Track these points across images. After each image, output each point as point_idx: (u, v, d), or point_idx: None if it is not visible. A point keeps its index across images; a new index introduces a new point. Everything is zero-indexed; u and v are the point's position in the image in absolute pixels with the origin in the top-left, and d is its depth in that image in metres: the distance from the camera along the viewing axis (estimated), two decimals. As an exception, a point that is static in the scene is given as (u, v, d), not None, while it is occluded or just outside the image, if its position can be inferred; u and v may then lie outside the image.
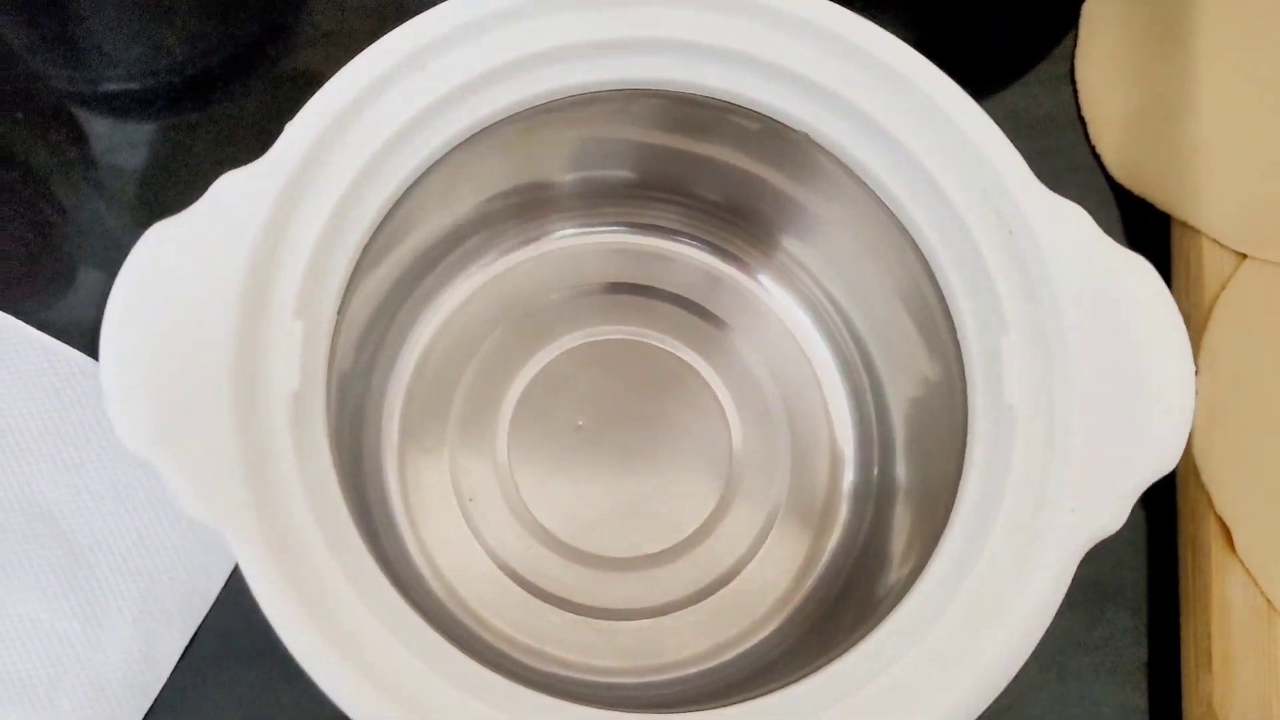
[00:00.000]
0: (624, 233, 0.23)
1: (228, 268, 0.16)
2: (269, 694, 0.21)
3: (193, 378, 0.15)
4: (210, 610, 0.22)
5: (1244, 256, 0.24)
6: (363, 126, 0.17)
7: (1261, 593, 0.21)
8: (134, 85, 0.26)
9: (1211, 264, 0.24)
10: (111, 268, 0.24)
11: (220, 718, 0.21)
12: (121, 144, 0.25)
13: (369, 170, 0.17)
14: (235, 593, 0.22)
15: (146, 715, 0.21)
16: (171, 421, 0.15)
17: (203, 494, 0.15)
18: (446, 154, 0.18)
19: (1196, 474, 0.22)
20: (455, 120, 0.18)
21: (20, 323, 0.23)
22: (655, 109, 0.20)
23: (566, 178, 0.22)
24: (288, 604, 0.14)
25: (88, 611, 0.21)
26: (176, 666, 0.21)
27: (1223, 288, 0.23)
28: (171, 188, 0.25)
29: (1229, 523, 0.22)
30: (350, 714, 0.14)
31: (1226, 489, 0.22)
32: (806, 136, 0.19)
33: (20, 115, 0.25)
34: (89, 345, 0.23)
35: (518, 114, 0.18)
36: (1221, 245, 0.24)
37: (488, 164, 0.20)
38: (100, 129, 0.25)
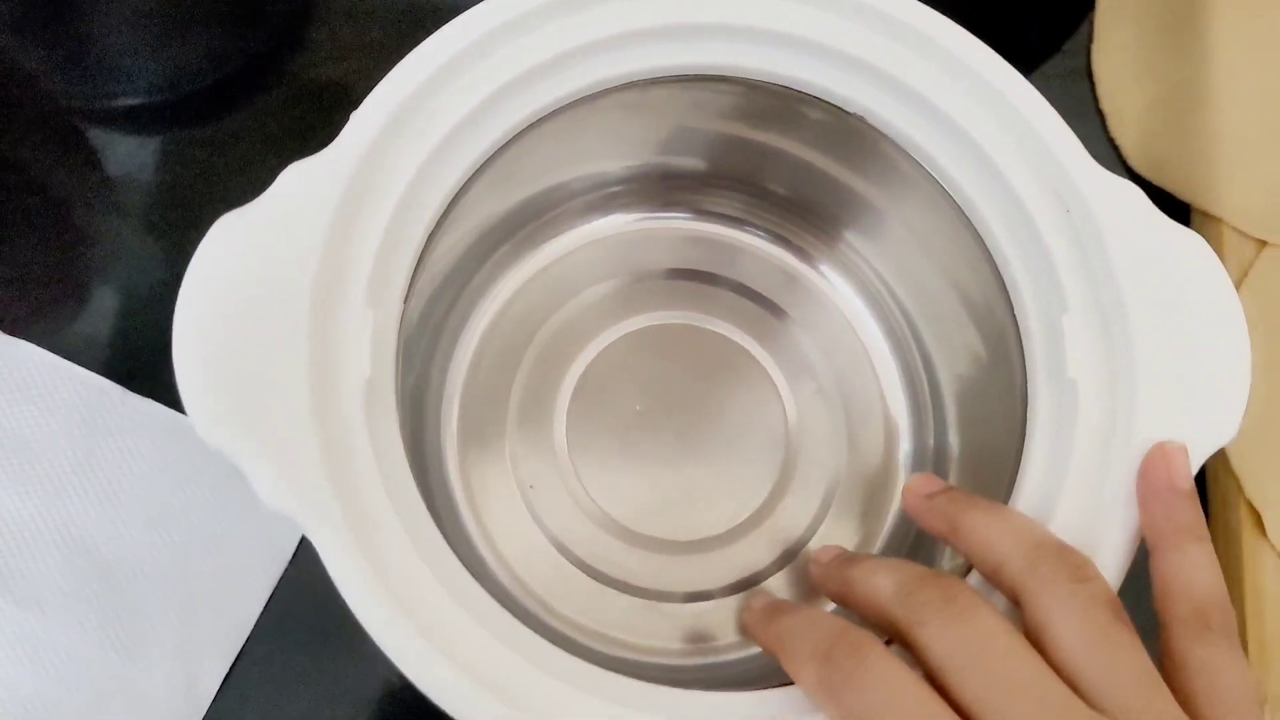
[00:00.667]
0: (682, 220, 0.23)
1: (298, 257, 0.16)
2: (317, 715, 0.21)
3: (266, 367, 0.15)
4: (252, 634, 0.21)
5: (1264, 243, 0.24)
6: (427, 115, 0.17)
7: (1294, 576, 0.21)
8: (151, 101, 0.25)
9: (1233, 252, 0.24)
10: (136, 290, 0.24)
11: (265, 743, 0.21)
12: (142, 164, 0.25)
13: (434, 158, 0.17)
14: (276, 618, 0.22)
15: (192, 743, 0.21)
16: (248, 412, 0.15)
17: (283, 483, 0.15)
18: (508, 141, 0.18)
19: (1226, 460, 0.23)
20: (518, 108, 0.18)
21: (47, 353, 0.23)
22: (718, 97, 0.20)
23: (627, 165, 0.22)
24: (370, 590, 0.14)
25: (128, 642, 0.21)
26: (218, 694, 0.21)
27: (1245, 275, 0.24)
28: (195, 206, 0.25)
29: (1259, 508, 0.22)
30: (432, 697, 0.14)
31: (1256, 474, 0.22)
32: (863, 120, 0.19)
33: (38, 138, 0.25)
34: (113, 370, 0.23)
35: (577, 101, 0.18)
36: (1242, 233, 0.24)
37: (548, 150, 0.20)
38: (119, 150, 0.25)
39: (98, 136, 0.25)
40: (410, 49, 0.17)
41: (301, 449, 0.15)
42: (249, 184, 0.16)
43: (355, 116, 0.17)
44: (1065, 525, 0.16)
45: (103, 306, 0.24)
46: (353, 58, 0.25)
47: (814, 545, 0.22)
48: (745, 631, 0.15)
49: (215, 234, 0.16)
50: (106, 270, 0.24)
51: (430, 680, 0.14)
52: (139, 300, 0.24)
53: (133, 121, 0.25)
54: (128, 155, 0.25)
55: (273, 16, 0.26)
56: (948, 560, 0.19)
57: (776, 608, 0.16)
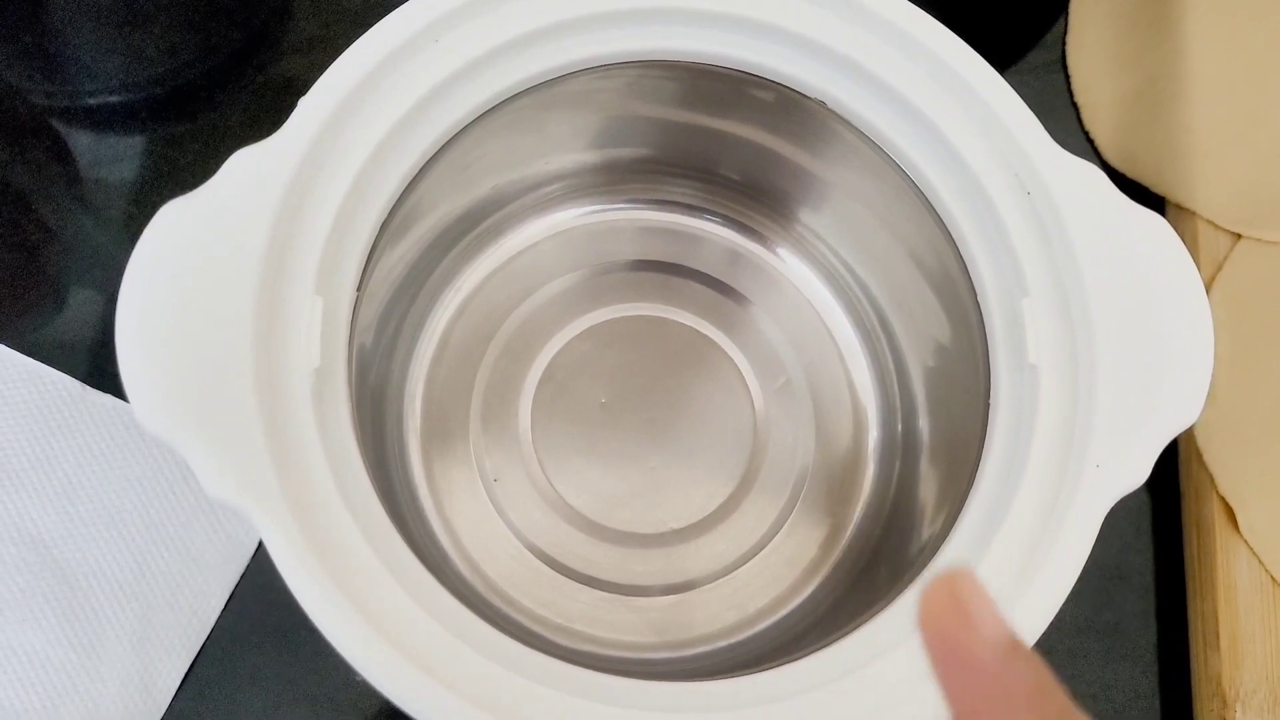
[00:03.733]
0: (643, 210, 0.23)
1: (245, 244, 0.15)
2: (275, 716, 0.21)
3: (212, 356, 0.15)
4: (211, 633, 0.21)
5: (1239, 236, 0.24)
6: (377, 102, 0.17)
7: (1266, 571, 0.21)
8: (115, 98, 0.25)
9: (1207, 245, 0.24)
10: (99, 286, 0.24)
11: (225, 743, 0.21)
12: (105, 159, 0.25)
13: (385, 146, 0.17)
14: (236, 615, 0.21)
15: (150, 743, 0.20)
16: (191, 401, 0.15)
17: (227, 472, 0.14)
18: (462, 130, 0.18)
19: (1199, 455, 0.22)
20: (470, 94, 0.18)
21: (6, 348, 0.22)
22: (673, 85, 0.20)
23: (584, 155, 0.22)
24: (314, 580, 0.14)
25: (84, 640, 0.21)
26: (177, 693, 0.21)
27: (1219, 268, 0.24)
28: (160, 202, 0.24)
29: (1232, 503, 0.22)
30: (378, 686, 0.14)
31: (1229, 469, 0.22)
32: (823, 105, 0.19)
33: (2, 134, 0.24)
34: (78, 368, 0.23)
35: (531, 90, 0.18)
36: (1216, 226, 0.24)
37: (504, 141, 0.20)
38: (83, 144, 0.25)
39: (63, 133, 0.25)
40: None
41: (246, 438, 0.15)
42: (206, 172, 0.16)
43: (303, 103, 0.17)
44: (1021, 517, 0.16)
45: (66, 303, 0.24)
46: (317, 52, 0.25)
47: (782, 537, 0.21)
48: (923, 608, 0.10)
49: (160, 220, 0.16)
50: (71, 266, 0.24)
51: (376, 670, 0.14)
52: (103, 297, 0.24)
53: (98, 118, 0.25)
54: (93, 151, 0.25)
55: (236, 12, 0.26)
56: (925, 531, 0.19)
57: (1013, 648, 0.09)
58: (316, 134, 0.16)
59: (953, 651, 0.10)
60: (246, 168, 0.16)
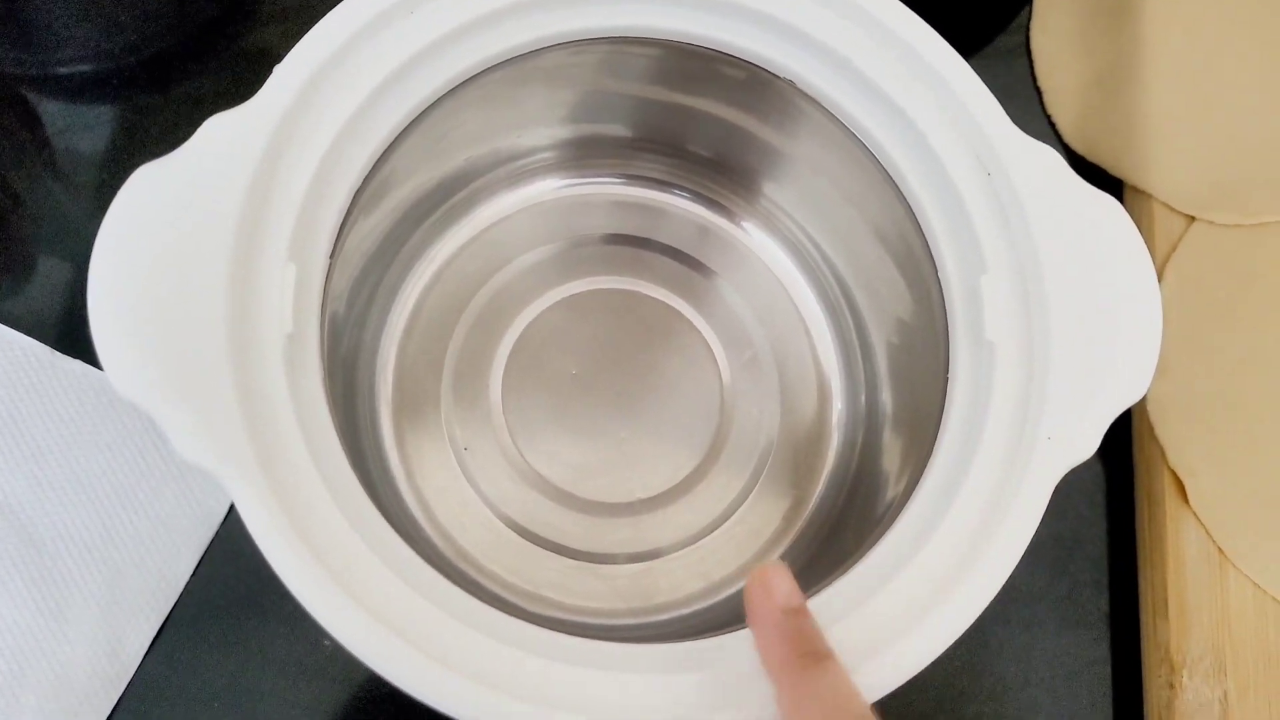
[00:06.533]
0: (614, 185, 0.23)
1: (219, 209, 0.16)
2: (244, 681, 0.21)
3: (185, 321, 0.15)
4: (180, 598, 0.21)
5: (1193, 219, 0.25)
6: (352, 71, 0.17)
7: (1214, 542, 0.22)
8: (87, 66, 0.25)
9: (1162, 226, 0.25)
10: (69, 254, 0.24)
11: (193, 707, 0.21)
12: (77, 127, 0.25)
13: (359, 115, 0.17)
14: (206, 579, 0.22)
15: (117, 706, 0.21)
16: (164, 365, 0.15)
17: (199, 436, 0.14)
18: (437, 101, 0.18)
19: (1151, 429, 0.23)
20: (445, 67, 0.18)
21: (-27, 312, 0.22)
22: (644, 61, 0.20)
23: (557, 130, 0.22)
24: (286, 543, 0.14)
25: (51, 604, 0.21)
26: (146, 657, 0.21)
27: (1173, 249, 0.24)
28: (130, 170, 0.24)
29: (1182, 476, 0.22)
30: (348, 647, 0.14)
31: (1179, 443, 0.23)
32: (792, 84, 0.19)
33: (-34, 98, 0.24)
34: (46, 333, 0.23)
35: (505, 64, 0.18)
36: (1171, 209, 0.25)
37: (478, 113, 0.20)
38: (54, 112, 0.25)
39: (34, 101, 0.25)
40: (347, 10, 0.17)
41: (219, 402, 0.15)
42: (177, 141, 0.16)
43: (278, 70, 0.17)
44: (977, 485, 0.16)
45: (35, 270, 0.23)
46: (292, 21, 0.25)
47: (747, 508, 0.22)
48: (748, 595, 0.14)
49: (133, 184, 0.16)
50: (40, 234, 0.24)
51: (346, 631, 0.14)
52: (72, 264, 0.24)
53: (69, 86, 0.25)
54: (64, 119, 0.25)
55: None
56: (890, 489, 0.19)
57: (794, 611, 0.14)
58: (292, 101, 0.16)
59: (758, 613, 0.14)
60: (221, 133, 0.16)
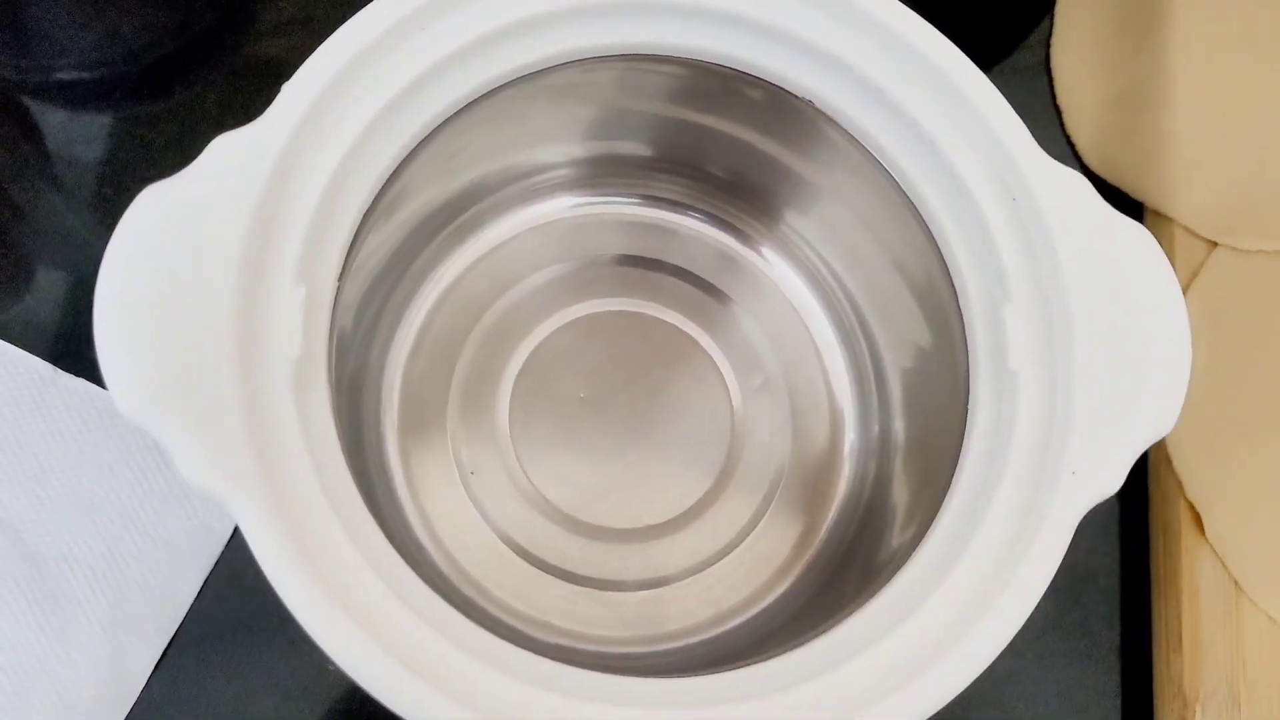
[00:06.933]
0: (627, 205, 0.23)
1: (227, 230, 0.15)
2: (248, 704, 0.21)
3: (191, 343, 0.15)
4: (184, 620, 0.21)
5: (1215, 244, 0.24)
6: (362, 88, 0.17)
7: (1230, 575, 0.22)
8: (88, 75, 0.25)
9: (1183, 252, 0.24)
10: (70, 268, 0.24)
11: (197, 730, 0.21)
12: (78, 138, 0.24)
13: (369, 133, 0.17)
14: (210, 601, 0.21)
15: (121, 729, 0.20)
16: (170, 387, 0.14)
17: (205, 460, 0.14)
18: (449, 119, 0.18)
19: (1168, 460, 0.23)
20: (458, 83, 0.17)
21: (-27, 329, 0.22)
22: (659, 79, 0.20)
23: (571, 148, 0.22)
24: (291, 569, 0.14)
25: (55, 625, 0.21)
26: (150, 679, 0.21)
27: (1194, 275, 0.24)
28: (133, 183, 0.24)
29: (1199, 508, 0.22)
30: (352, 674, 0.14)
31: (1197, 475, 0.22)
32: (811, 104, 0.19)
33: (-34, 109, 0.24)
34: (48, 350, 0.22)
35: (519, 80, 0.18)
36: (1193, 233, 0.24)
37: (490, 131, 0.20)
38: (55, 123, 0.24)
39: (36, 111, 0.24)
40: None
41: (225, 426, 0.14)
42: (186, 161, 0.16)
43: (286, 88, 0.16)
44: (997, 521, 0.16)
45: (37, 284, 0.23)
46: (295, 33, 0.25)
47: (757, 535, 0.21)
48: None
49: (140, 205, 0.15)
50: (41, 247, 0.23)
51: (351, 659, 0.14)
52: (73, 279, 0.23)
53: (70, 96, 0.25)
54: (65, 130, 0.24)
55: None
56: (896, 536, 0.19)
57: None
58: (300, 121, 0.16)
59: None
60: (228, 153, 0.16)
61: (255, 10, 0.25)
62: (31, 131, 0.24)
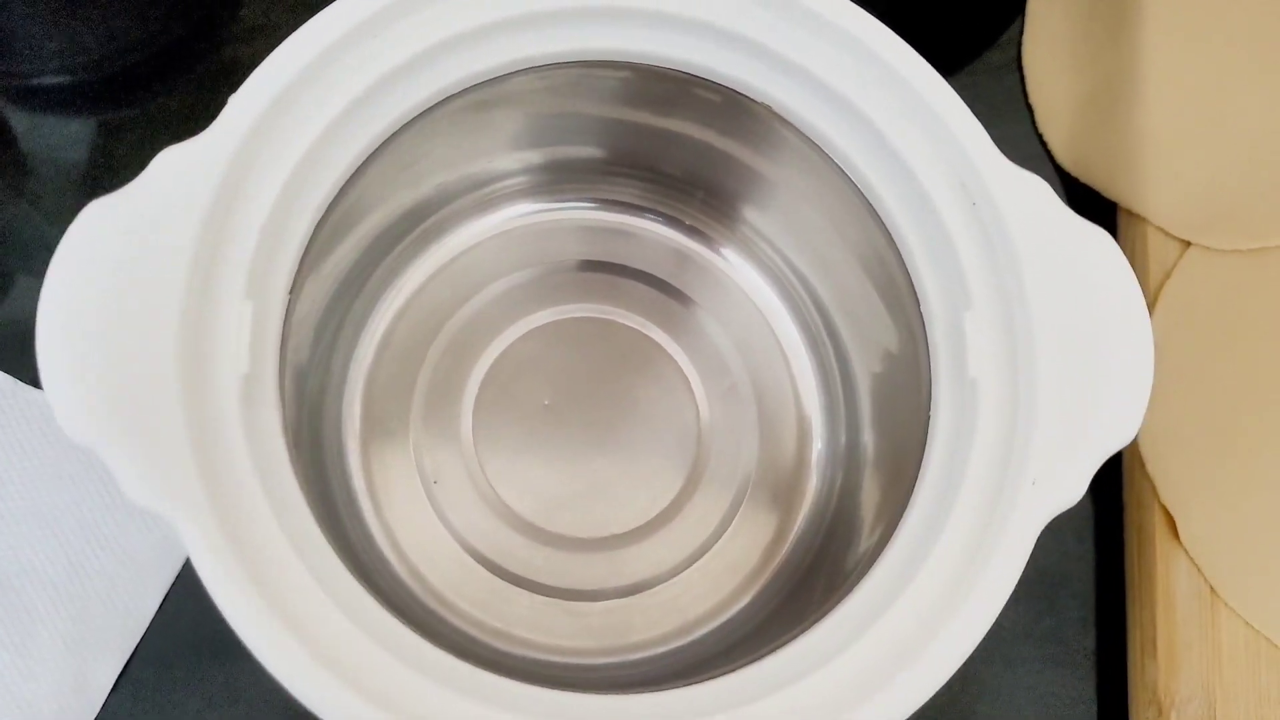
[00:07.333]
0: (588, 209, 0.23)
1: (172, 246, 0.15)
2: (210, 717, 0.21)
3: (137, 361, 0.15)
4: (146, 634, 0.21)
5: (1188, 244, 0.24)
6: (312, 98, 0.16)
7: (1205, 580, 0.21)
8: (50, 81, 0.24)
9: (1156, 252, 0.24)
10: (31, 277, 0.23)
11: (160, 744, 0.20)
12: (40, 147, 0.24)
13: (320, 144, 0.16)
14: (172, 615, 0.21)
15: (82, 745, 0.20)
16: (115, 406, 0.14)
17: (149, 480, 0.14)
18: (402, 128, 0.17)
19: (1142, 463, 0.22)
20: (410, 92, 0.17)
21: (-69, 341, 0.22)
22: (617, 83, 0.19)
23: (528, 154, 0.22)
24: (239, 591, 0.14)
25: (15, 640, 0.21)
26: (112, 693, 0.21)
27: (1167, 276, 0.24)
28: (95, 190, 0.24)
29: (1173, 511, 0.22)
30: (302, 700, 0.14)
31: (1171, 478, 0.22)
32: (768, 109, 0.19)
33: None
34: (9, 364, 0.22)
35: (476, 86, 0.18)
36: (1166, 233, 0.24)
37: (446, 139, 0.19)
38: (18, 129, 0.24)
39: (7, 114, 0.24)
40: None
41: (171, 444, 0.14)
42: (144, 166, 0.16)
43: (233, 99, 0.16)
44: (957, 532, 0.16)
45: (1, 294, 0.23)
46: (261, 40, 0.25)
47: (724, 543, 0.21)
48: None
49: (83, 221, 0.15)
50: (4, 255, 0.23)
51: (297, 682, 0.14)
52: (34, 290, 0.23)
53: (32, 101, 0.24)
54: (26, 139, 0.24)
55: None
56: (863, 543, 0.19)
57: None
58: (247, 133, 0.16)
59: None
60: (174, 167, 0.16)
61: (220, 18, 0.25)
62: (4, 137, 0.24)
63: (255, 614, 0.14)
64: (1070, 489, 0.16)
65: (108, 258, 0.15)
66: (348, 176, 0.17)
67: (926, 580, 0.15)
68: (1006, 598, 0.15)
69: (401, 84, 0.17)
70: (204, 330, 0.15)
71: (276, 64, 0.16)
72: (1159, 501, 0.22)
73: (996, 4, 0.27)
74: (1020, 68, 0.26)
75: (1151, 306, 0.23)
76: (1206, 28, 0.25)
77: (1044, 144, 0.26)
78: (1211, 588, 0.21)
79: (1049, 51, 0.26)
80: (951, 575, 0.15)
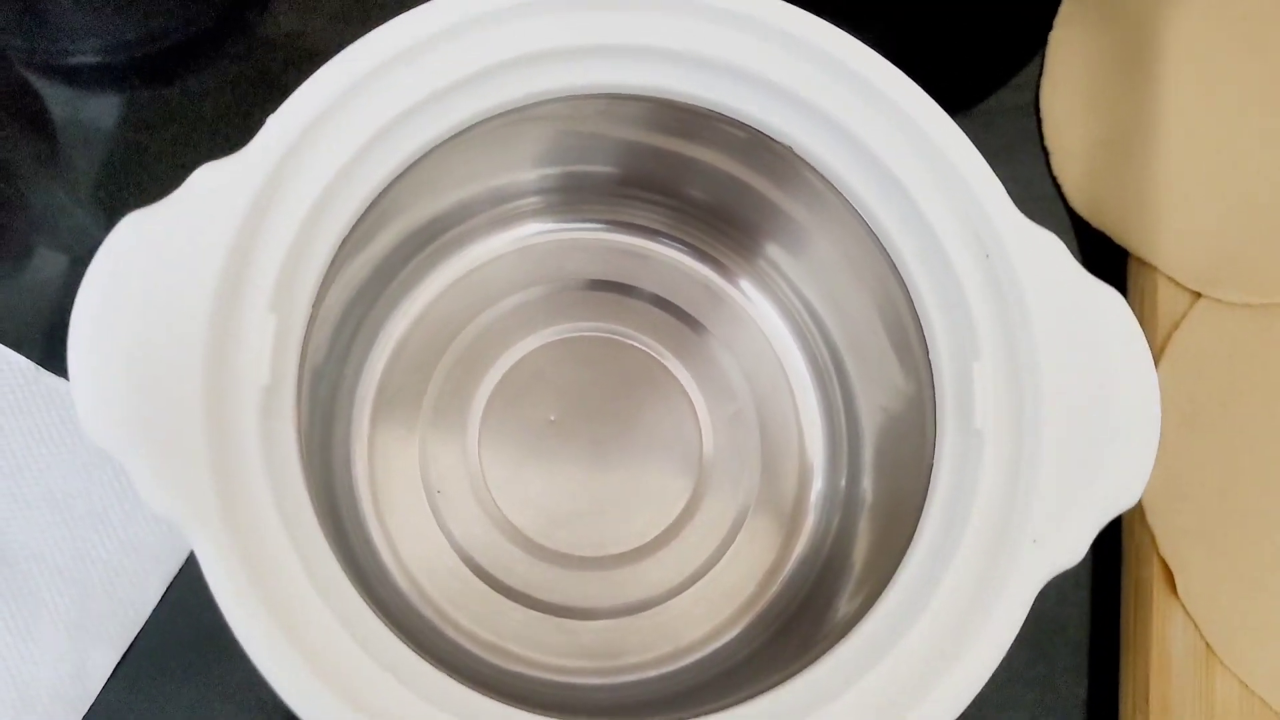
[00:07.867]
0: (605, 230, 0.23)
1: (203, 259, 0.16)
2: (203, 713, 0.21)
3: (162, 369, 0.15)
4: (145, 625, 0.21)
5: (1198, 295, 0.24)
6: (346, 122, 0.17)
7: (1201, 637, 0.21)
8: (92, 60, 0.25)
9: (1166, 302, 0.24)
10: (60, 269, 0.24)
11: (154, 735, 0.21)
12: (75, 142, 0.25)
13: (351, 167, 0.17)
14: (172, 608, 0.21)
15: (77, 730, 0.21)
16: (137, 412, 0.15)
17: (165, 486, 0.14)
18: (429, 151, 0.18)
19: (1142, 515, 0.22)
20: (440, 118, 0.18)
21: (-42, 326, 0.23)
22: (642, 111, 0.20)
23: (551, 173, 0.22)
24: (246, 602, 0.14)
25: (18, 622, 0.21)
26: (109, 682, 0.21)
27: (1176, 326, 0.23)
28: (126, 188, 0.24)
29: (1172, 566, 0.22)
30: (300, 714, 0.14)
31: (1171, 531, 0.22)
32: (790, 150, 0.19)
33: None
34: (34, 349, 0.23)
35: (501, 115, 0.18)
36: (1177, 283, 0.24)
37: (469, 159, 0.20)
38: (62, 116, 0.24)
39: (46, 93, 0.24)
40: (352, 39, 0.17)
41: (189, 452, 0.15)
42: (175, 169, 0.16)
43: (272, 121, 0.17)
44: (954, 588, 0.16)
45: (24, 285, 0.24)
46: (295, 46, 0.25)
47: (720, 569, 0.21)
48: None
49: (121, 230, 0.16)
50: (35, 245, 0.24)
51: (295, 695, 0.14)
52: (63, 280, 0.24)
53: (72, 89, 0.25)
54: (61, 134, 0.25)
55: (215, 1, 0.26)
56: (845, 603, 0.19)
57: None
58: (283, 154, 0.16)
59: None
60: (210, 183, 0.16)
61: (254, 21, 0.26)
62: (43, 122, 0.24)
63: (260, 627, 0.14)
64: (1071, 550, 0.16)
65: (140, 268, 0.15)
66: (373, 197, 0.18)
67: (921, 634, 0.15)
68: (1002, 656, 0.15)
69: (429, 112, 0.18)
70: (228, 342, 0.16)
71: (314, 89, 0.17)
72: (1158, 554, 0.22)
73: (1015, 47, 0.27)
74: (1038, 110, 0.26)
75: (1158, 357, 0.23)
76: (1225, 80, 0.25)
77: (1058, 187, 0.26)
78: (1207, 645, 0.21)
79: (1067, 96, 0.26)
80: (947, 631, 0.15)
